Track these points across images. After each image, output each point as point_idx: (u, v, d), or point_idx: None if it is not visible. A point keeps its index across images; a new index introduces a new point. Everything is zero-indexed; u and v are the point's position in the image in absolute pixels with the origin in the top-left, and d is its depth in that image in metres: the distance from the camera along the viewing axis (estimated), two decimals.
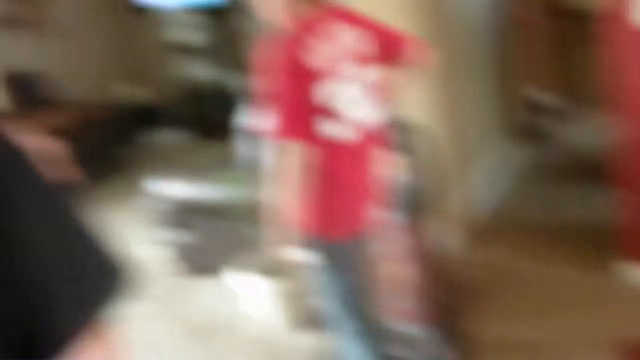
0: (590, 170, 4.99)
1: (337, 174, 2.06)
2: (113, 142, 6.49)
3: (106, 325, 0.75)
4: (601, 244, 3.63)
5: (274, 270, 3.23)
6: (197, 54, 7.01)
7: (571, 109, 6.66)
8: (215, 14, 6.77)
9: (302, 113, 1.95)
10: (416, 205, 2.70)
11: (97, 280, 0.74)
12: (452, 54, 4.17)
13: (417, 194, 2.70)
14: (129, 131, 7.05)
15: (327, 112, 1.98)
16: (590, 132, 5.90)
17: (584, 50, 6.77)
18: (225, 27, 6.80)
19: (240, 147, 3.32)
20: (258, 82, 1.98)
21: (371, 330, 2.34)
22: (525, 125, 6.09)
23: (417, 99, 3.57)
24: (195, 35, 6.96)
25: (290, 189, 1.95)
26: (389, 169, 2.70)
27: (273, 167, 1.99)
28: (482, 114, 4.83)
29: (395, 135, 2.73)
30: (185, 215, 3.89)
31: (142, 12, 7.10)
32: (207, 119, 7.05)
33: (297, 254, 2.22)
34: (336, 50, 2.01)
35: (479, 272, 3.53)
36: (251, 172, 3.05)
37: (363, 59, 2.10)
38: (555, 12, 6.87)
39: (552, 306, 3.20)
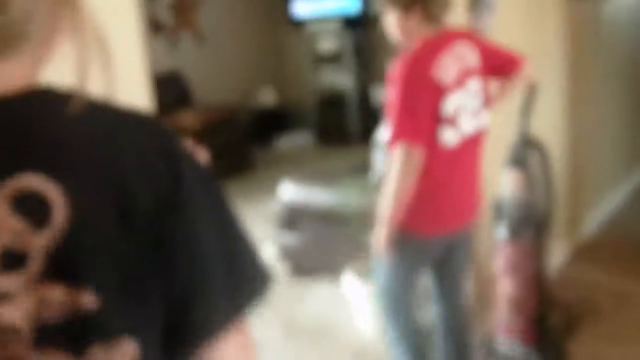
0: None
1: (444, 175, 2.22)
2: (248, 143, 6.81)
3: (246, 323, 0.79)
4: None
5: None
6: (341, 63, 7.22)
7: None
8: (358, 25, 6.96)
9: (425, 123, 2.11)
10: (526, 221, 2.69)
11: (249, 278, 0.79)
12: (600, 74, 4.13)
13: (528, 209, 2.69)
14: (265, 133, 7.39)
15: (449, 121, 2.15)
16: None
17: None
18: (368, 39, 6.99)
19: (376, 158, 3.42)
20: (389, 94, 2.16)
21: (413, 333, 2.43)
22: None
23: (552, 118, 3.56)
24: (340, 45, 7.18)
25: (403, 193, 2.12)
26: (503, 183, 2.72)
27: (390, 171, 2.13)
28: (617, 138, 4.69)
29: (516, 150, 2.75)
30: (301, 217, 4.02)
31: (295, 25, 7.42)
32: (341, 125, 7.25)
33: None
34: (461, 66, 2.20)
35: (582, 291, 3.45)
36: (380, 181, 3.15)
37: (481, 74, 2.28)
38: None
39: None
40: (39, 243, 0.66)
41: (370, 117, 6.50)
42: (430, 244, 2.32)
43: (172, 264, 0.72)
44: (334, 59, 7.31)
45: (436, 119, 2.13)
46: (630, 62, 4.76)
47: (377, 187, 3.23)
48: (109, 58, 0.72)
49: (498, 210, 2.76)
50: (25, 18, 0.68)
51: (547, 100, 3.52)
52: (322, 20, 7.14)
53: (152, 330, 0.73)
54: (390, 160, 2.14)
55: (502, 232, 2.73)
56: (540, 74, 3.37)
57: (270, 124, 7.61)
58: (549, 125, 3.56)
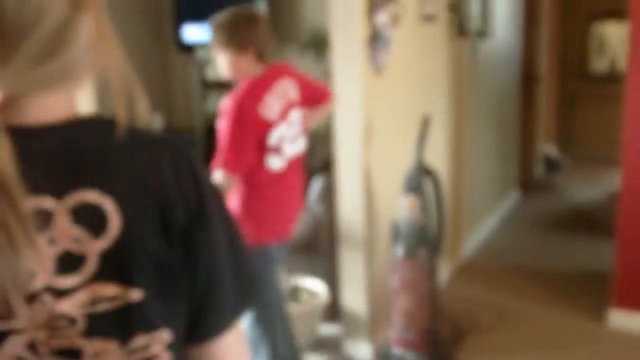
0: (588, 221, 5.24)
1: (274, 194, 2.57)
2: None
3: (240, 324, 0.95)
4: (595, 291, 3.86)
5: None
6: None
7: (572, 163, 6.96)
8: None
9: (250, 155, 2.45)
10: (421, 242, 2.94)
11: (251, 282, 0.93)
12: (476, 107, 4.49)
13: (423, 231, 2.95)
14: None
15: (274, 150, 2.51)
16: (589, 185, 6.17)
17: (587, 109, 7.15)
18: None
19: None
20: (221, 125, 2.45)
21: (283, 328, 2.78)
22: (533, 178, 6.35)
23: (437, 147, 3.85)
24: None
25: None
26: (400, 207, 2.96)
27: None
28: (495, 164, 5.10)
29: (412, 177, 3.00)
30: None
31: (185, 50, 7.46)
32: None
33: None
34: (284, 101, 2.56)
35: (465, 306, 3.76)
36: None
37: (299, 105, 2.65)
38: (567, 73, 7.22)
39: (539, 344, 3.41)
40: (97, 247, 0.79)
41: None
42: (273, 250, 2.64)
43: (196, 268, 0.86)
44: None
45: (263, 149, 2.48)
46: (499, 99, 5.21)
47: None
48: (136, 90, 0.85)
49: (395, 232, 2.99)
50: (74, 63, 0.80)
51: (435, 131, 3.84)
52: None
53: (180, 322, 0.88)
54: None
55: (399, 251, 2.97)
56: (431, 107, 3.69)
57: None
58: (437, 154, 3.87)
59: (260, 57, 2.52)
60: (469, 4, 4.23)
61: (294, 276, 3.51)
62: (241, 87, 2.49)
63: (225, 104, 2.45)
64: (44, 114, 0.80)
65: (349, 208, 3.20)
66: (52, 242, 0.78)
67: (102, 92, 0.88)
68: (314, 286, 3.47)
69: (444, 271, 4.02)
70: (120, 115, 0.83)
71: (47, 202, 0.77)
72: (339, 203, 3.23)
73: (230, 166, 2.40)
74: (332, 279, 3.43)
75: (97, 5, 0.82)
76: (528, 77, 5.92)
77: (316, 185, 3.57)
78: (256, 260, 0.99)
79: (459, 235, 4.38)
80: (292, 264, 3.46)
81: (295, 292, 3.46)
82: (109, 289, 0.80)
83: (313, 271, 3.55)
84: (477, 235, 4.78)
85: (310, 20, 4.27)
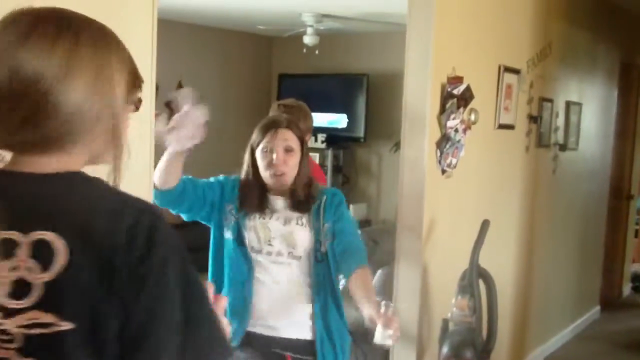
0: None
1: None
2: None
3: None
4: None
5: None
6: None
7: None
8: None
9: None
10: (468, 343, 2.96)
11: (201, 346, 0.99)
12: (553, 218, 4.50)
13: (469, 332, 2.97)
14: None
15: None
16: None
17: None
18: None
19: None
20: None
21: None
22: (618, 296, 6.15)
23: (505, 253, 3.88)
24: None
25: None
26: (452, 306, 3.00)
27: None
28: (573, 277, 5.02)
29: (466, 278, 3.06)
30: None
31: None
32: None
33: None
34: None
35: None
36: None
37: None
38: None
39: None
40: (43, 278, 0.95)
41: None
42: None
43: (130, 314, 0.96)
44: None
45: None
46: (582, 213, 5.16)
47: None
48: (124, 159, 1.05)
49: (444, 330, 3.03)
50: (57, 133, 0.98)
51: (505, 237, 3.87)
52: None
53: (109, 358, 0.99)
54: None
55: (444, 350, 3.00)
56: (498, 213, 3.75)
57: None
58: (504, 260, 3.89)
59: None
60: (552, 116, 4.31)
61: None
62: None
63: None
64: (38, 167, 0.99)
65: (405, 303, 3.26)
66: (12, 269, 0.95)
67: None
68: None
69: None
70: (113, 178, 1.03)
71: (14, 235, 0.95)
72: (396, 297, 3.30)
73: None
74: None
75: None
76: (617, 194, 5.83)
77: (378, 277, 3.66)
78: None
79: (523, 344, 4.31)
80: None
81: None
82: (46, 317, 0.95)
83: None
84: (547, 347, 4.67)
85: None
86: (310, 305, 2.34)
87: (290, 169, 2.29)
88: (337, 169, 7.24)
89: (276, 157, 2.26)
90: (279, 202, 2.34)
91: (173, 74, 6.86)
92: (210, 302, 1.06)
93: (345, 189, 6.91)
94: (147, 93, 1.84)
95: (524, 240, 4.21)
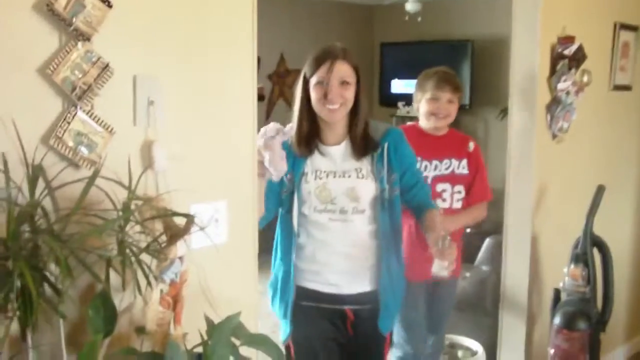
0: None
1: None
2: None
3: None
4: None
5: None
6: None
7: None
8: None
9: None
10: (582, 314, 2.84)
11: None
12: None
13: (583, 303, 2.85)
14: None
15: None
16: None
17: None
18: None
19: None
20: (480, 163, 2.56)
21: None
22: None
23: (621, 221, 3.71)
24: None
25: None
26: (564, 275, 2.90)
27: None
28: None
29: (580, 247, 2.94)
30: None
31: (386, 104, 7.74)
32: None
33: None
34: None
35: None
36: None
37: None
38: None
39: None
40: None
41: None
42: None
43: None
44: None
45: None
46: None
47: None
48: None
49: (555, 300, 2.93)
50: None
51: (621, 203, 3.70)
52: None
53: None
54: None
55: (556, 321, 2.89)
56: (614, 177, 3.57)
57: None
58: (620, 228, 3.71)
59: None
60: None
61: (454, 333, 3.52)
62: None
63: (473, 145, 2.92)
64: None
65: (515, 272, 3.18)
66: None
67: None
68: (472, 346, 3.46)
69: (619, 355, 3.79)
70: None
71: None
72: (505, 266, 3.22)
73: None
74: (493, 341, 3.40)
75: None
76: None
77: (486, 246, 3.59)
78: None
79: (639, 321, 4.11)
80: (455, 321, 3.47)
81: (452, 349, 3.47)
82: None
83: (475, 330, 3.54)
84: None
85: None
86: (373, 256, 2.30)
87: (347, 102, 2.21)
88: None
89: (331, 90, 2.17)
90: (336, 152, 2.27)
91: (274, 47, 6.93)
92: None
93: None
94: (249, 66, 1.84)
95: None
